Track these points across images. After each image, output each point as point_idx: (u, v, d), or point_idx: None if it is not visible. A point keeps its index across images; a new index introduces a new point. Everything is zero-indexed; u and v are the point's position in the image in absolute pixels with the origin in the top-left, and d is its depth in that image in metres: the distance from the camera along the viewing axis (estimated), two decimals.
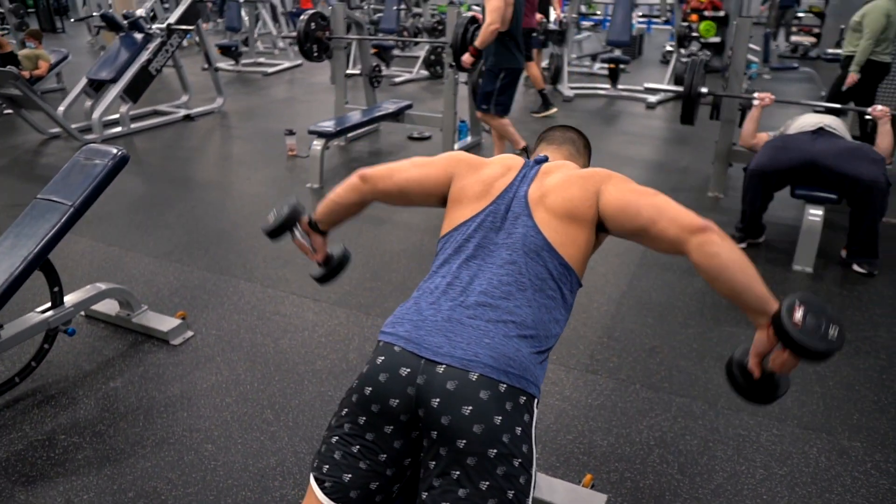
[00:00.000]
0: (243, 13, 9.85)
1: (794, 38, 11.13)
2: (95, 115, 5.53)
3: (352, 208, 1.58)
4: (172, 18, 6.00)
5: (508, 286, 1.24)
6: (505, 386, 1.13)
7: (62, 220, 2.32)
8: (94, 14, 8.93)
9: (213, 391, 2.37)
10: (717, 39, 8.60)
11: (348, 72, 7.57)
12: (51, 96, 6.82)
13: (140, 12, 6.28)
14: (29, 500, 1.88)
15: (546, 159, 1.48)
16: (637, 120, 6.56)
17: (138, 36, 5.91)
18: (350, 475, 1.17)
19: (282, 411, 2.26)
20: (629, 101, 7.36)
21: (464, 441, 1.09)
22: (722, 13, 8.67)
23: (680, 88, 6.61)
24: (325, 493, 1.18)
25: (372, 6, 10.33)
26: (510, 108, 4.50)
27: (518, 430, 1.13)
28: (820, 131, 3.37)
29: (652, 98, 7.12)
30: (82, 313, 2.85)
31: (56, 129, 5.64)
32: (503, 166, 1.44)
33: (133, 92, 5.78)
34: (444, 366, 1.13)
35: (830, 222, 3.78)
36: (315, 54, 5.25)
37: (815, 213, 3.30)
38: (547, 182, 1.37)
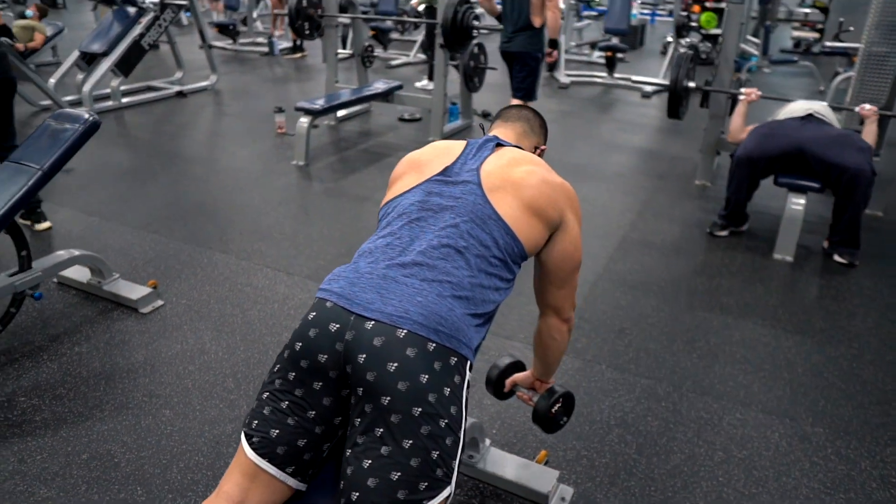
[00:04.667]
0: None
1: (796, 34, 11.03)
2: (86, 87, 5.50)
3: None
4: None
5: (447, 248, 1.23)
6: (434, 345, 1.11)
7: (29, 183, 2.30)
8: None
9: (177, 359, 2.36)
10: (718, 31, 8.53)
11: (344, 53, 7.53)
12: (45, 69, 6.76)
13: None
14: None
15: (495, 139, 1.45)
16: (631, 108, 6.52)
17: (132, 10, 5.87)
18: (277, 430, 1.16)
19: (243, 380, 2.25)
20: (625, 90, 7.31)
21: (388, 398, 1.08)
22: (724, 4, 8.60)
23: (666, 82, 6.57)
24: (253, 449, 1.17)
25: None
26: None
27: (446, 390, 1.11)
28: (808, 118, 3.34)
29: (648, 87, 7.07)
30: (55, 280, 2.84)
31: (47, 102, 5.61)
32: (441, 148, 1.44)
33: (125, 66, 5.74)
34: (373, 322, 1.12)
35: (815, 213, 3.76)
36: (307, 32, 5.21)
37: (797, 202, 3.27)
38: (514, 172, 1.34)
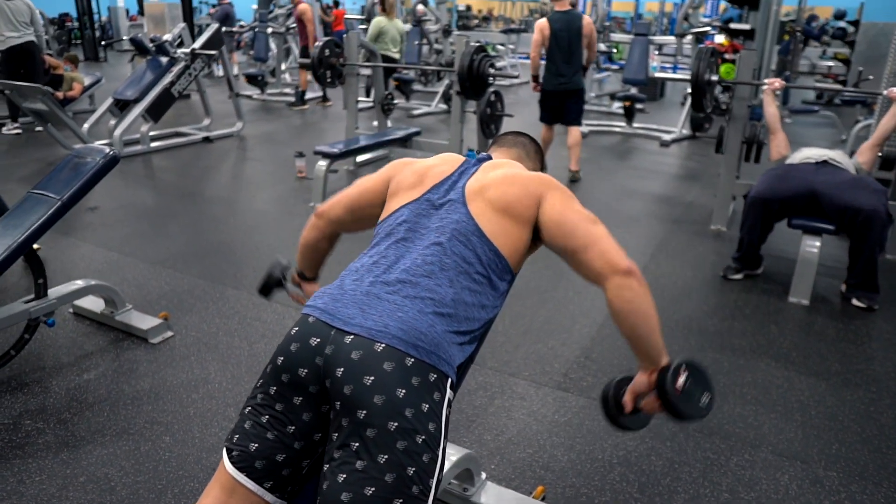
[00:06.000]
0: (272, 44, 10.18)
1: (819, 85, 11.08)
2: (117, 132, 5.72)
3: (320, 245, 1.61)
4: (196, 44, 6.23)
5: (431, 265, 1.24)
6: (413, 360, 1.12)
7: (49, 213, 2.38)
8: (124, 38, 9.30)
9: (182, 387, 2.38)
10: None
11: (367, 102, 7.74)
12: (81, 116, 7.06)
13: (167, 37, 6.53)
14: None
15: (489, 157, 1.49)
16: (649, 156, 6.55)
17: (163, 59, 6.14)
18: (257, 444, 1.16)
19: None
20: (644, 138, 7.36)
21: (364, 412, 1.08)
22: None
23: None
24: (232, 463, 1.17)
25: None
26: None
27: (424, 406, 1.11)
28: (823, 164, 3.34)
29: (666, 136, 7.12)
30: (70, 310, 2.91)
31: (80, 146, 5.83)
32: (441, 160, 1.47)
33: (155, 112, 5.97)
34: (352, 336, 1.13)
35: (834, 257, 3.71)
36: (328, 80, 5.38)
37: (812, 244, 3.23)
38: (489, 176, 1.38)
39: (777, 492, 1.96)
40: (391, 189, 1.46)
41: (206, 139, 6.53)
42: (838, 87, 8.87)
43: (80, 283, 2.68)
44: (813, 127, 8.22)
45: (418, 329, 1.14)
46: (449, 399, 1.18)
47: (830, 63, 13.17)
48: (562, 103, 5.22)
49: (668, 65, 12.97)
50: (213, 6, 9.47)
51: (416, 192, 1.40)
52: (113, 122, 6.10)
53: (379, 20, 7.29)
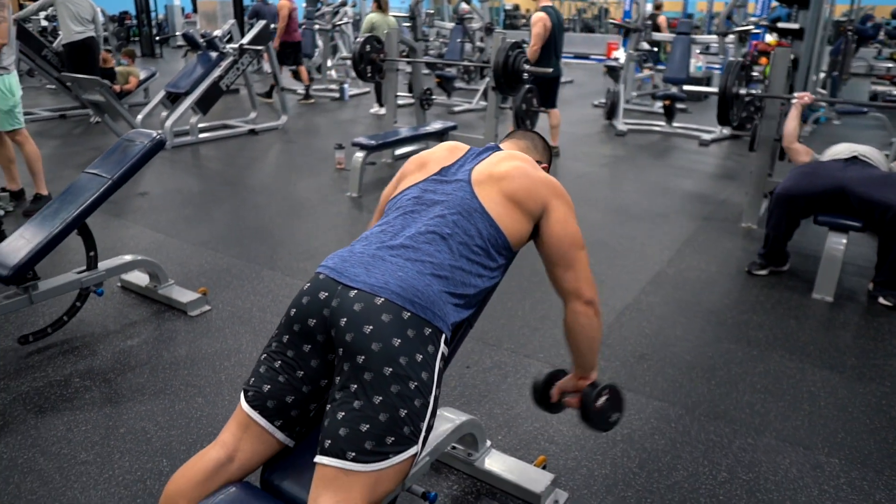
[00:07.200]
0: (318, 40, 10.45)
1: (875, 87, 10.76)
2: (168, 123, 6.01)
3: None
4: (245, 39, 6.49)
5: (433, 234, 1.36)
6: (409, 314, 1.24)
7: (100, 191, 2.59)
8: (177, 34, 9.66)
9: (215, 356, 2.56)
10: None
11: (408, 98, 7.90)
12: (136, 108, 7.42)
13: (217, 33, 6.81)
14: (37, 426, 2.11)
15: (496, 146, 1.61)
16: (687, 155, 6.52)
17: (213, 54, 6.42)
18: (269, 386, 1.30)
19: None
20: (684, 138, 7.32)
21: (363, 357, 1.20)
22: (791, 56, 8.52)
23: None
24: (247, 401, 1.31)
25: (440, 41, 10.74)
26: None
27: (418, 356, 1.23)
28: (853, 160, 3.32)
29: (706, 136, 7.06)
30: (118, 284, 3.13)
31: (130, 131, 6.15)
32: (447, 148, 1.60)
33: (203, 104, 6.25)
34: (356, 290, 1.26)
35: (862, 255, 3.68)
36: (369, 75, 5.55)
37: (837, 241, 3.22)
38: (499, 165, 1.50)
39: (776, 474, 2.01)
40: (401, 174, 1.62)
41: (252, 131, 6.79)
42: (864, 104, 8.57)
43: (127, 258, 2.89)
44: (862, 129, 8.02)
45: (416, 287, 1.26)
46: (443, 353, 1.29)
47: (889, 64, 12.76)
48: (550, 89, 5.92)
49: (715, 65, 12.77)
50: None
51: (424, 173, 1.53)
52: (165, 113, 6.41)
53: (372, 16, 7.64)
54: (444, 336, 1.29)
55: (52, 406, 2.21)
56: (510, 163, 1.49)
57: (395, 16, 10.46)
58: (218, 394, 2.31)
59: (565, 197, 1.49)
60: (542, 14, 5.60)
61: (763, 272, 3.52)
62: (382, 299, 1.24)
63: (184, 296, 2.93)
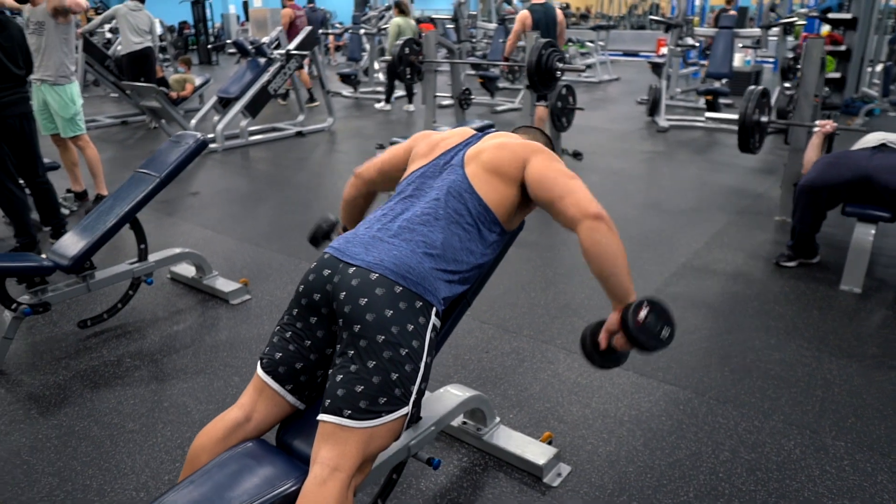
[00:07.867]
0: (365, 44, 10.72)
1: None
2: (219, 127, 6.34)
3: (358, 202, 1.95)
4: (291, 45, 6.77)
5: (427, 216, 1.50)
6: (401, 288, 1.38)
7: (150, 188, 2.83)
8: (228, 41, 10.07)
9: (253, 341, 2.76)
10: (836, 75, 8.22)
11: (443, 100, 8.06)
12: (191, 114, 7.83)
13: (265, 40, 7.12)
14: (92, 399, 2.34)
15: (494, 129, 1.74)
16: (728, 150, 6.46)
17: (262, 60, 6.73)
18: (280, 354, 1.47)
19: None
20: (726, 133, 7.23)
21: (359, 326, 1.35)
22: (843, 47, 8.28)
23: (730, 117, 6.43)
24: (262, 368, 1.48)
25: (485, 41, 10.86)
26: None
27: (409, 326, 1.37)
28: (882, 147, 3.29)
29: None
30: (168, 275, 3.38)
31: (178, 133, 6.52)
32: (454, 133, 1.72)
33: (253, 108, 6.56)
34: (354, 267, 1.41)
35: (894, 246, 3.62)
36: (408, 77, 5.73)
37: (866, 231, 3.20)
38: (485, 144, 1.63)
39: (779, 455, 2.07)
40: (411, 157, 1.74)
41: (299, 133, 7.08)
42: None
43: (174, 251, 3.13)
44: None
45: (408, 264, 1.41)
46: (434, 325, 1.43)
47: None
48: None
49: (766, 59, 12.44)
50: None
51: (428, 158, 1.67)
52: (217, 117, 6.75)
53: (397, 20, 7.85)
54: (434, 309, 1.43)
55: (106, 382, 2.45)
56: (492, 140, 1.62)
57: (438, 18, 10.66)
58: (253, 374, 2.50)
59: (546, 151, 1.58)
60: (525, 12, 5.72)
61: (791, 264, 3.51)
62: (377, 275, 1.38)
63: (226, 286, 3.16)
